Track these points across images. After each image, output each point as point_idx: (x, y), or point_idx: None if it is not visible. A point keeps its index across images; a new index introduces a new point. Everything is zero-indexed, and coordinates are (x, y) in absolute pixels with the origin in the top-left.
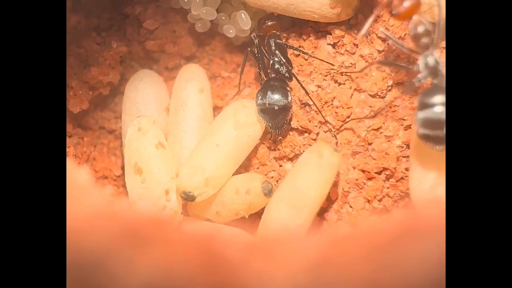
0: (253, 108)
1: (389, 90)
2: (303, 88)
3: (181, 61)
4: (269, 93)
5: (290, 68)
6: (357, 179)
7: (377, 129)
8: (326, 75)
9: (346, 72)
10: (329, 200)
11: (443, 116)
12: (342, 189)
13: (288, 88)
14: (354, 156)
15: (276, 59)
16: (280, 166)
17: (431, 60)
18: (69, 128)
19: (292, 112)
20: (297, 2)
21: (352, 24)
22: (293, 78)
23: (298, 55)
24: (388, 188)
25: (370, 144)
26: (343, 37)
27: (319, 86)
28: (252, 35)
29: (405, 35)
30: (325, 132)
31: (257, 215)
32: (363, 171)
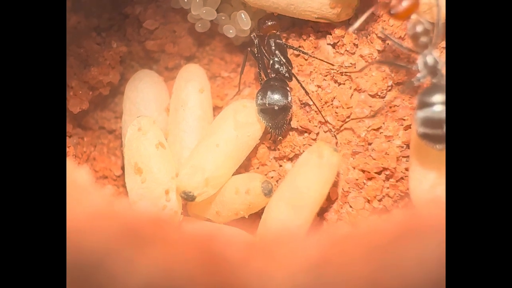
0: (253, 108)
1: (389, 90)
2: (303, 88)
3: (181, 61)
4: (269, 93)
5: (290, 68)
6: (357, 179)
7: (377, 129)
8: (326, 75)
9: (346, 72)
10: (329, 200)
11: (443, 115)
12: (342, 189)
13: (288, 88)
14: (354, 156)
15: (276, 59)
16: (280, 166)
17: (430, 60)
18: (69, 128)
19: (292, 112)
20: (297, 2)
21: (352, 24)
22: (293, 78)
23: (298, 55)
24: (388, 188)
25: (370, 144)
26: (343, 37)
27: (319, 86)
28: (252, 35)
29: (405, 35)
30: (325, 132)
31: (257, 215)
32: (363, 171)
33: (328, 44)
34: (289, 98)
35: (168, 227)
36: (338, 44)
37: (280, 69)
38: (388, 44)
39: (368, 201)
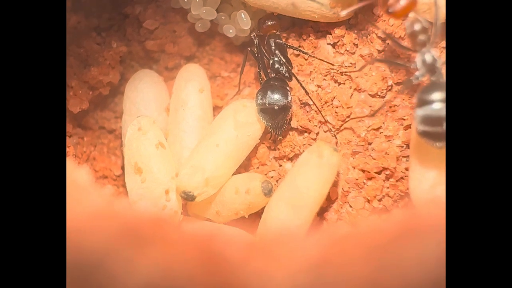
0: (253, 108)
1: (389, 90)
2: (303, 88)
3: (181, 61)
4: (269, 93)
5: (290, 68)
6: (357, 179)
7: (377, 129)
8: (326, 75)
9: (345, 72)
10: (329, 200)
11: (442, 113)
12: (342, 188)
13: (288, 88)
14: (354, 156)
15: (276, 59)
16: (280, 165)
17: (428, 57)
18: (69, 128)
19: (292, 112)
20: (297, 1)
21: (352, 24)
22: (293, 78)
23: (298, 55)
24: (388, 188)
25: (370, 144)
26: (343, 37)
27: (319, 86)
28: (252, 35)
29: (404, 35)
30: (325, 132)
31: (257, 214)
32: (363, 170)
33: (328, 44)
34: (289, 98)
35: (168, 227)
36: (338, 44)
37: (280, 69)
38: (388, 43)
39: (368, 201)
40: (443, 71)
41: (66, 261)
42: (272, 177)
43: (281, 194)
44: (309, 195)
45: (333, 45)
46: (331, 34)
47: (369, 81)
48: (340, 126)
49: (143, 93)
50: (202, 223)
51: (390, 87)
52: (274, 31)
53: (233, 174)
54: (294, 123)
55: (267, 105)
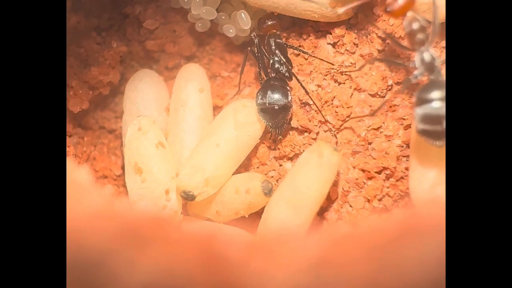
0: (253, 108)
1: (389, 90)
2: (303, 87)
3: (181, 60)
4: (269, 92)
5: (290, 67)
6: (357, 179)
7: (377, 129)
8: (326, 75)
9: (346, 72)
10: (329, 200)
11: (442, 111)
12: (342, 188)
13: (288, 88)
14: (354, 155)
15: (276, 58)
16: (280, 165)
17: (427, 56)
18: (69, 127)
19: (292, 112)
20: (297, 1)
21: (352, 23)
22: (293, 78)
23: (298, 54)
24: (388, 187)
25: (370, 143)
26: (343, 36)
27: (319, 86)
28: (252, 35)
29: (405, 35)
30: (325, 131)
31: (257, 214)
32: (363, 170)
33: (328, 43)
34: (289, 98)
35: (168, 227)
36: (338, 43)
37: (280, 69)
38: (388, 43)
39: (368, 200)
40: (442, 70)
41: (66, 261)
42: (272, 176)
43: (281, 194)
44: (309, 194)
45: (333, 45)
46: (331, 34)
47: (369, 80)
48: (340, 126)
49: (143, 93)
50: (202, 222)
51: (390, 87)
52: (274, 30)
53: (233, 174)
54: (294, 123)
55: (267, 104)
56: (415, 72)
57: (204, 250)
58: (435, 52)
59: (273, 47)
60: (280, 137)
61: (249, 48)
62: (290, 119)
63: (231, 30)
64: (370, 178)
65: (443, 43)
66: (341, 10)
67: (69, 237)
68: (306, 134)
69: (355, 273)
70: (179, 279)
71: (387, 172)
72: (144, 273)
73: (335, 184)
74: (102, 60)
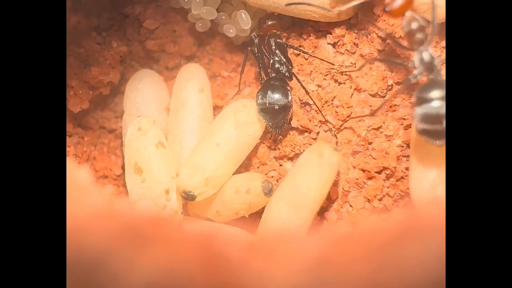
0: (253, 108)
1: (389, 90)
2: (303, 87)
3: (181, 60)
4: (269, 92)
5: (290, 67)
6: (357, 179)
7: (377, 129)
8: (326, 75)
9: (346, 72)
10: (329, 200)
11: (441, 111)
12: (342, 188)
13: (288, 88)
14: (354, 155)
15: (276, 58)
16: (280, 165)
17: (426, 56)
18: (69, 127)
19: (292, 112)
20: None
21: (352, 23)
22: (293, 78)
23: (298, 54)
24: (388, 187)
25: (370, 143)
26: (343, 36)
27: (319, 86)
28: (252, 35)
29: (404, 34)
30: (325, 131)
31: (257, 214)
32: (363, 170)
33: (328, 43)
34: (290, 98)
35: (168, 227)
36: (338, 43)
37: (280, 69)
38: (388, 43)
39: (368, 200)
40: (442, 69)
41: (66, 261)
42: (272, 176)
43: (281, 194)
44: (309, 194)
45: (334, 45)
46: (331, 34)
47: (369, 80)
48: (341, 126)
49: (143, 93)
50: (203, 222)
51: (390, 87)
52: (275, 30)
53: (233, 174)
54: (294, 123)
55: (267, 104)
56: (414, 72)
57: (204, 250)
58: (434, 52)
59: (273, 47)
60: (280, 137)
61: (249, 48)
62: (290, 119)
63: (231, 30)
64: (370, 178)
65: (443, 43)
66: (337, 9)
67: (69, 237)
68: (306, 134)
69: (355, 273)
70: (179, 279)
71: (387, 172)
72: (144, 273)
73: (335, 184)
74: (102, 60)
